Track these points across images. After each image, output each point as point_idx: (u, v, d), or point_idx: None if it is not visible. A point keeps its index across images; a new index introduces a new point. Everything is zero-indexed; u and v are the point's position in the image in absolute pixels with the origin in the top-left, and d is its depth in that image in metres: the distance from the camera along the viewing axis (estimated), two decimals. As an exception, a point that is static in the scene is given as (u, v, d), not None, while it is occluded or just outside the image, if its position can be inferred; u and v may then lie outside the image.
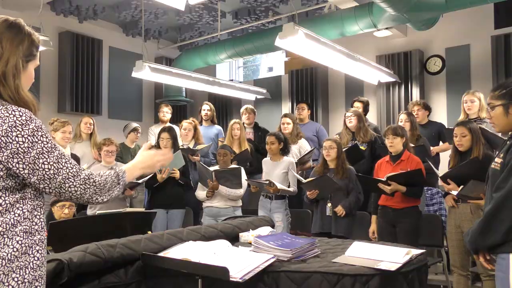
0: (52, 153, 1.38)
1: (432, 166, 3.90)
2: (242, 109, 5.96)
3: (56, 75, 6.59)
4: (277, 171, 4.44)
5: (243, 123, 5.65)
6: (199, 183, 4.65)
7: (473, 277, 3.74)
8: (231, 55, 6.43)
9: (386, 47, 6.61)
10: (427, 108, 5.17)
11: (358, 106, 5.53)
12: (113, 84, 7.25)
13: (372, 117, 6.42)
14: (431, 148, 4.75)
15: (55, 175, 1.38)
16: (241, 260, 2.08)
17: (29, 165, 1.34)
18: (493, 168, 2.06)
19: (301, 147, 5.21)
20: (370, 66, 5.52)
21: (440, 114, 6.17)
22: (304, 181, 4.08)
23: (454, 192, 3.42)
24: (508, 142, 2.05)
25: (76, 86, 6.59)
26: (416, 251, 2.34)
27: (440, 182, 3.98)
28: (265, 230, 2.86)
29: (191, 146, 5.38)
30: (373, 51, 6.63)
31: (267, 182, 4.21)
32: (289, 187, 4.36)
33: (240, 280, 1.90)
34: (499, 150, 2.12)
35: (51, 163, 1.37)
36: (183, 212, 4.69)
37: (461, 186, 3.28)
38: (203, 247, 2.22)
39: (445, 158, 4.40)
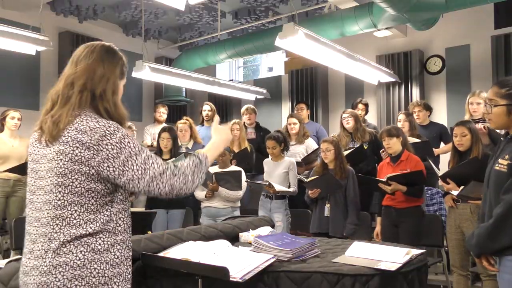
0: (139, 156, 1.54)
1: (433, 165, 3.89)
2: (242, 109, 5.92)
3: (56, 75, 6.53)
4: (278, 171, 4.44)
5: (244, 123, 5.63)
6: None
7: (473, 277, 3.73)
8: (231, 55, 6.43)
9: (386, 47, 6.61)
10: (428, 108, 5.13)
11: (362, 107, 5.54)
12: (113, 84, 7.25)
13: (372, 117, 6.42)
14: (433, 149, 4.73)
15: (143, 175, 1.52)
16: (241, 260, 2.08)
17: (119, 167, 1.50)
18: (498, 170, 1.98)
19: (308, 146, 5.17)
20: (370, 66, 5.52)
21: (440, 114, 6.17)
22: (306, 180, 4.09)
23: (454, 192, 3.41)
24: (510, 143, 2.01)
25: (76, 86, 6.57)
26: (416, 251, 2.33)
27: (440, 182, 3.97)
28: (265, 230, 2.86)
29: (190, 146, 5.37)
30: (373, 51, 6.63)
31: (267, 183, 4.22)
32: (289, 187, 4.36)
33: (240, 280, 1.90)
34: (500, 151, 2.06)
35: (139, 164, 1.52)
36: (183, 212, 4.69)
37: (462, 187, 3.28)
38: (203, 247, 2.21)
39: (445, 158, 4.40)
